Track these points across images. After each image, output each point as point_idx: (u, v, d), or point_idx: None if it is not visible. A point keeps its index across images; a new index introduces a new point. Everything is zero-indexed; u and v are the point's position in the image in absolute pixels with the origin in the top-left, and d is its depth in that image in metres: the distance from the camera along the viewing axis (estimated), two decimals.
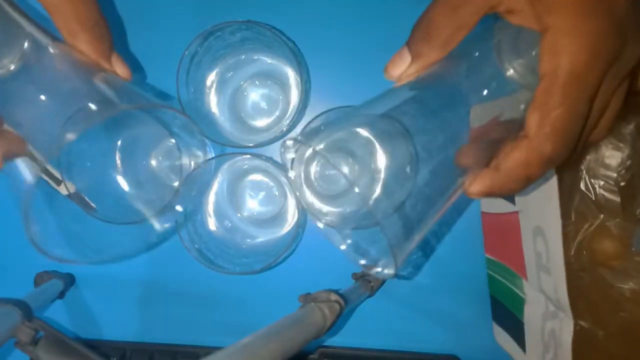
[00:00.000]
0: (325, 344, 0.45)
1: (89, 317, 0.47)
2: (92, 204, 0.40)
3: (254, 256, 0.42)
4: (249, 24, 0.37)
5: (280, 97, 0.45)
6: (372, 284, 0.41)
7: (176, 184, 0.39)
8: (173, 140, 0.39)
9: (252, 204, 0.46)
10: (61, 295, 0.45)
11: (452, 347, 0.44)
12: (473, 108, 0.40)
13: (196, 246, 0.40)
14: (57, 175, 0.46)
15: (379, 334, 0.45)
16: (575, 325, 0.30)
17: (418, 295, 0.45)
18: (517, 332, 0.38)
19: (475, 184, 0.26)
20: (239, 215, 0.46)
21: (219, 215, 0.45)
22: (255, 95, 0.45)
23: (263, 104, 0.45)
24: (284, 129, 0.39)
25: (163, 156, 0.46)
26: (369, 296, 0.42)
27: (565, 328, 0.30)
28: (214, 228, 0.44)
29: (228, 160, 0.43)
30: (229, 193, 0.46)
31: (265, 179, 0.46)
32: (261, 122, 0.45)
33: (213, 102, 0.44)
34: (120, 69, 0.31)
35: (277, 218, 0.46)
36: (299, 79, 0.40)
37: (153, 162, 0.46)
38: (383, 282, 0.44)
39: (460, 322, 0.45)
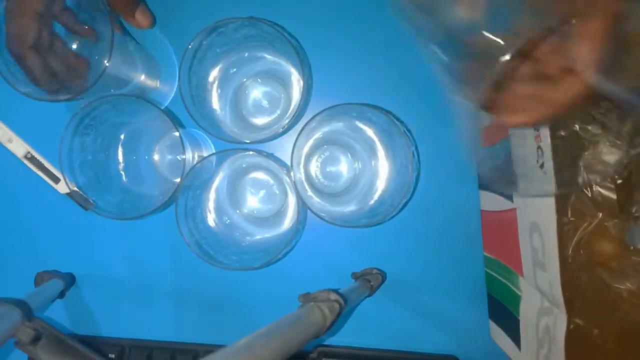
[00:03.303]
0: (325, 343, 0.45)
1: (89, 316, 0.47)
2: (91, 200, 0.40)
3: (254, 252, 0.42)
4: (252, 20, 0.37)
5: (282, 95, 0.45)
6: (371, 284, 0.41)
7: (178, 179, 0.39)
8: (177, 133, 0.39)
9: (253, 202, 0.46)
10: (62, 295, 0.46)
11: (451, 348, 0.44)
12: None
13: (196, 241, 0.40)
14: (56, 173, 0.46)
15: (378, 334, 0.45)
16: (570, 322, 0.30)
17: (417, 295, 0.45)
18: (512, 329, 0.39)
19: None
20: (238, 212, 0.46)
21: (219, 211, 0.45)
22: (257, 92, 0.45)
23: (265, 102, 0.45)
24: (285, 126, 0.39)
25: (166, 150, 0.46)
26: (369, 296, 0.42)
27: (559, 323, 0.31)
28: (213, 224, 0.44)
29: (230, 157, 0.43)
30: (229, 190, 0.46)
31: (266, 177, 0.46)
32: (262, 120, 0.45)
33: (215, 98, 0.44)
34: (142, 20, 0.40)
35: (277, 216, 0.46)
36: (300, 77, 0.40)
37: (156, 157, 0.46)
38: (383, 281, 0.44)
39: (459, 322, 0.45)
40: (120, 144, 0.44)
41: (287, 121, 0.39)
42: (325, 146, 0.45)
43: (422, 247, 0.45)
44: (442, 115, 0.45)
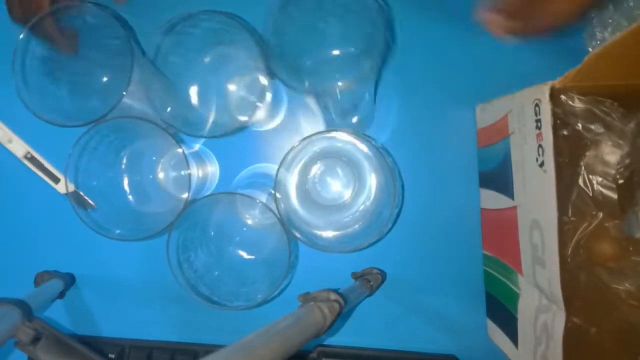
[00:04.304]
0: (324, 343, 0.45)
1: (89, 316, 0.47)
2: (91, 202, 0.40)
3: (252, 284, 0.42)
4: (210, 13, 0.37)
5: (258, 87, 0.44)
6: (371, 284, 0.41)
7: (185, 195, 0.38)
8: (180, 150, 0.39)
9: (249, 222, 0.46)
10: (61, 295, 0.46)
11: (450, 347, 0.44)
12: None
13: (193, 284, 0.40)
14: (56, 173, 0.46)
15: (377, 334, 0.45)
16: (568, 321, 0.30)
17: (417, 295, 0.45)
18: (510, 327, 0.39)
19: None
20: (237, 239, 0.46)
21: (216, 246, 0.44)
22: (235, 89, 0.45)
23: (247, 98, 0.45)
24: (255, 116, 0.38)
25: (170, 167, 0.46)
26: (368, 295, 0.42)
27: (558, 320, 0.31)
28: (212, 260, 0.43)
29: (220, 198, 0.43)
30: (224, 219, 0.46)
31: (255, 195, 0.45)
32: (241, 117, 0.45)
33: (192, 98, 0.43)
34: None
35: (275, 226, 0.45)
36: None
37: (160, 175, 0.46)
38: (382, 281, 0.44)
39: (459, 322, 0.45)
40: (124, 165, 0.44)
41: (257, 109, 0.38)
42: (319, 159, 0.45)
43: (422, 247, 0.45)
44: (441, 113, 0.45)
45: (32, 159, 0.46)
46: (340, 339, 0.45)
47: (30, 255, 0.47)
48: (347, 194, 0.44)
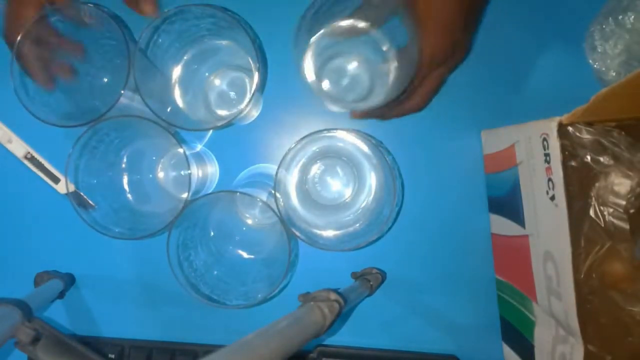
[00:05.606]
0: (324, 342, 0.45)
1: (89, 317, 0.47)
2: (92, 203, 0.40)
3: (252, 283, 0.42)
4: (202, 7, 0.37)
5: (247, 82, 0.44)
6: (371, 283, 0.41)
7: (184, 195, 0.38)
8: (182, 150, 0.38)
9: (249, 221, 0.46)
10: (61, 295, 0.46)
11: (450, 347, 0.44)
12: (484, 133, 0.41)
13: (193, 283, 0.40)
14: (56, 173, 0.46)
15: (377, 333, 0.45)
16: (585, 350, 0.30)
17: (417, 295, 0.45)
18: (527, 354, 0.38)
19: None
20: (237, 238, 0.46)
21: (218, 244, 0.44)
22: (220, 84, 0.45)
23: (231, 94, 0.45)
24: (244, 111, 0.38)
25: (170, 167, 0.46)
26: (368, 295, 0.42)
27: (577, 354, 0.30)
28: (213, 259, 0.43)
29: (221, 197, 0.43)
30: (224, 219, 0.46)
31: (255, 194, 0.45)
32: (225, 111, 0.45)
33: (177, 94, 0.43)
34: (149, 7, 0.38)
35: (275, 226, 0.45)
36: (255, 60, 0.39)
37: (160, 175, 0.46)
38: (382, 281, 0.44)
39: (459, 322, 0.45)
40: (124, 164, 0.44)
41: (244, 105, 0.38)
42: (319, 159, 0.45)
43: (422, 247, 0.45)
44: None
45: (32, 159, 0.46)
46: (340, 338, 0.45)
47: (30, 255, 0.47)
48: (347, 193, 0.44)
